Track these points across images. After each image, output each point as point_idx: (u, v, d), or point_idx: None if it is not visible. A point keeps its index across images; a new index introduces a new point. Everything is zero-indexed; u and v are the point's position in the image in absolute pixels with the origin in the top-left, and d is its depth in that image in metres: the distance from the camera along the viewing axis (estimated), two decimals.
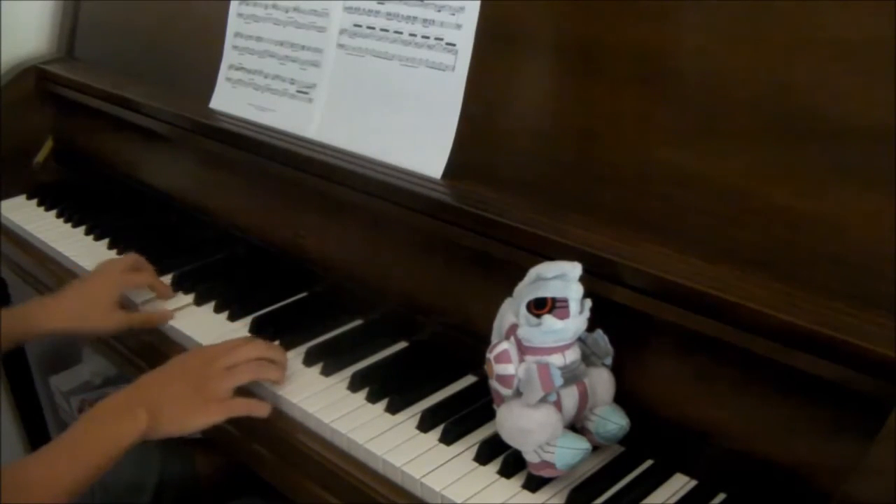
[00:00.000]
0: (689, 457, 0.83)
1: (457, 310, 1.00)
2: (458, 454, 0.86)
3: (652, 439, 0.85)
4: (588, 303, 0.81)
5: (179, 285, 1.20)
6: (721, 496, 0.81)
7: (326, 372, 1.00)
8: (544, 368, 0.78)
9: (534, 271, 0.81)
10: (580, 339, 0.83)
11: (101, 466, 0.84)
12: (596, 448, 0.83)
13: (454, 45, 1.02)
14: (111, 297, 1.11)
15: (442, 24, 1.03)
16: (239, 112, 1.28)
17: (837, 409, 0.73)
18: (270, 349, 0.99)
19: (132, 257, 1.19)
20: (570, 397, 0.82)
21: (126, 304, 1.16)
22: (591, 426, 0.83)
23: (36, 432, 1.82)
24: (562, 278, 0.79)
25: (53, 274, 1.33)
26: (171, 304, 1.16)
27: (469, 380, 0.98)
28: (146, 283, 1.17)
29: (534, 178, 0.95)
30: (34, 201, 1.52)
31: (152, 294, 1.18)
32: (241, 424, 0.97)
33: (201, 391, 0.91)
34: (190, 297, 1.17)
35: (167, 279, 1.21)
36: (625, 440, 0.85)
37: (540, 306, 0.79)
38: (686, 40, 0.83)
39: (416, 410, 0.92)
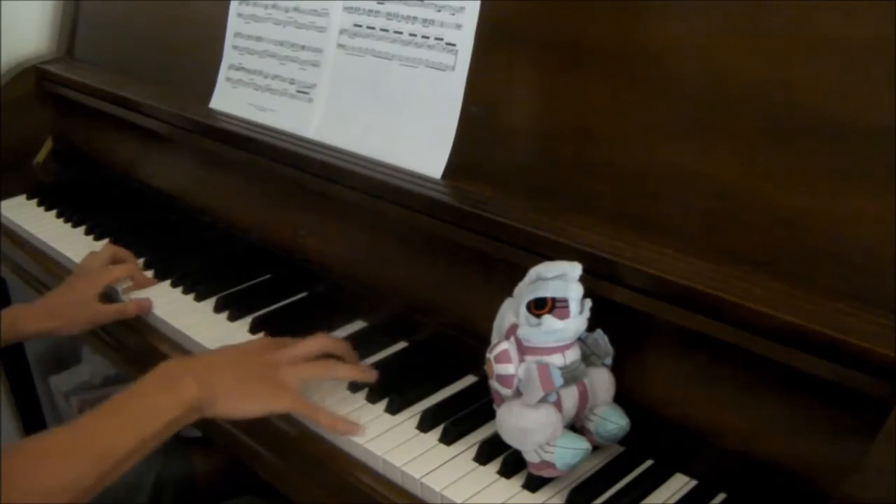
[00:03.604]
0: (689, 457, 0.83)
1: (457, 310, 1.00)
2: (458, 454, 0.86)
3: (652, 439, 0.85)
4: (588, 303, 0.81)
5: (179, 285, 1.20)
6: (721, 496, 0.81)
7: None
8: (544, 368, 0.78)
9: (534, 271, 0.81)
10: (580, 339, 0.83)
11: (141, 439, 0.80)
12: (596, 448, 0.83)
13: (454, 45, 1.02)
14: (91, 295, 1.13)
15: (442, 24, 1.03)
16: (239, 112, 1.28)
17: (837, 409, 0.73)
18: (336, 343, 0.96)
19: (110, 250, 1.21)
20: (570, 397, 0.81)
21: (109, 294, 1.18)
22: (591, 426, 0.83)
23: (36, 432, 1.82)
24: (562, 278, 0.79)
25: (53, 274, 1.32)
26: (171, 304, 1.16)
27: (469, 380, 0.98)
28: (125, 276, 1.18)
29: (534, 177, 0.95)
30: (34, 201, 1.52)
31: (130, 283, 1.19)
32: (238, 422, 0.97)
33: (267, 376, 0.87)
34: (190, 297, 1.17)
35: (167, 279, 1.21)
36: (625, 440, 0.85)
37: (540, 306, 0.79)
38: (686, 40, 0.83)
39: (416, 410, 0.92)
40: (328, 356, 0.94)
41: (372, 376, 0.94)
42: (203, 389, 0.83)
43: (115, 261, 1.20)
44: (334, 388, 0.96)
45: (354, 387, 0.96)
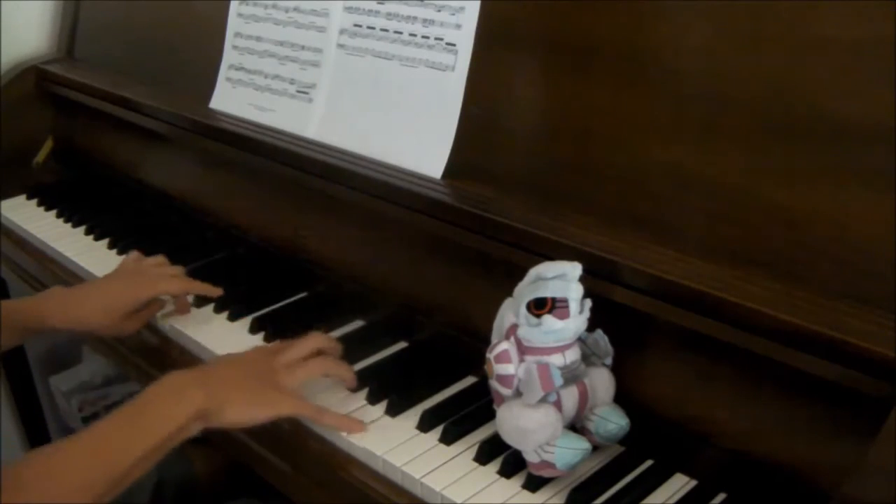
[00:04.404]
0: (689, 457, 0.83)
1: (457, 310, 1.00)
2: (458, 454, 0.86)
3: (652, 439, 0.85)
4: (588, 303, 0.81)
5: None
6: (721, 496, 0.81)
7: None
8: (544, 368, 0.78)
9: (534, 271, 0.81)
10: (580, 339, 0.83)
11: (149, 448, 0.80)
12: (596, 448, 0.83)
13: (454, 45, 1.02)
14: (135, 306, 1.06)
15: (442, 24, 1.03)
16: (239, 112, 1.28)
17: (838, 409, 0.73)
18: (329, 341, 0.96)
19: (161, 259, 1.13)
20: (570, 397, 0.82)
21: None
22: (591, 426, 0.83)
23: (36, 432, 1.82)
24: (562, 278, 0.79)
25: (53, 274, 1.32)
26: (171, 305, 1.16)
27: (469, 380, 0.98)
28: (174, 293, 1.11)
29: (534, 177, 0.95)
30: (34, 201, 1.52)
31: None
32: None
33: (269, 383, 0.88)
34: (190, 297, 1.17)
35: None
36: (625, 440, 0.85)
37: (540, 306, 0.79)
38: (686, 40, 0.83)
39: (416, 410, 0.92)
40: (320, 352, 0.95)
41: (353, 382, 0.95)
42: (210, 399, 0.84)
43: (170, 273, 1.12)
44: (335, 389, 0.96)
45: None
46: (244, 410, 0.86)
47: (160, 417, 0.82)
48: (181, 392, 0.83)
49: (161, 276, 1.10)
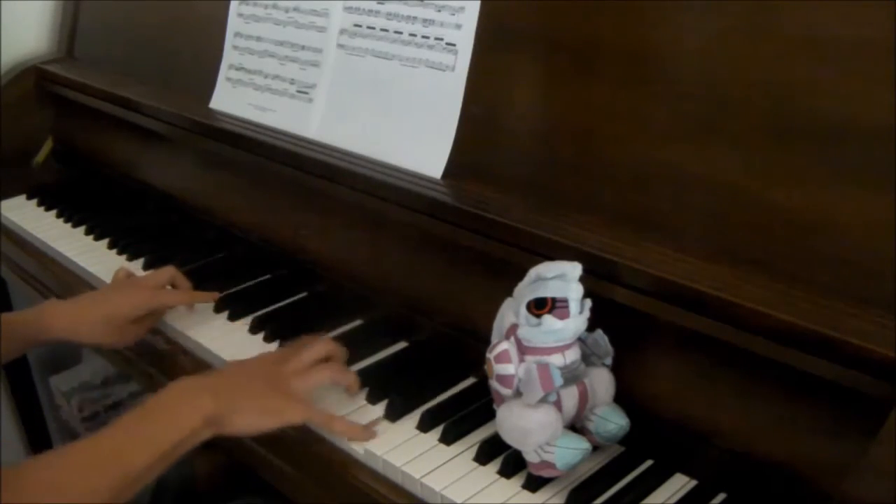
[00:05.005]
0: (689, 457, 0.83)
1: (457, 310, 1.00)
2: (458, 454, 0.86)
3: (652, 439, 0.85)
4: (588, 303, 0.81)
5: None
6: (721, 496, 0.81)
7: None
8: (544, 368, 0.78)
9: (534, 271, 0.81)
10: (580, 339, 0.83)
11: (158, 455, 0.79)
12: (596, 448, 0.83)
13: (454, 45, 1.02)
14: (133, 315, 1.06)
15: (442, 24, 1.03)
16: (239, 112, 1.28)
17: (837, 409, 0.73)
18: (334, 347, 0.95)
19: (168, 273, 1.12)
20: (570, 397, 0.81)
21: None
22: (591, 426, 0.83)
23: (36, 432, 1.82)
24: (562, 278, 0.79)
25: (53, 274, 1.32)
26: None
27: (469, 380, 0.98)
28: (179, 303, 1.11)
29: (534, 177, 0.95)
30: (34, 201, 1.52)
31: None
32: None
33: (279, 390, 0.87)
34: None
35: None
36: (625, 440, 0.85)
37: (540, 306, 0.79)
38: (686, 40, 0.83)
39: (416, 411, 0.92)
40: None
41: (357, 388, 0.94)
42: (219, 406, 0.83)
43: (174, 285, 1.12)
44: (334, 389, 0.96)
45: None
46: (254, 418, 0.86)
47: (169, 425, 0.81)
48: (191, 399, 0.83)
49: (158, 287, 1.10)
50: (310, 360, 0.92)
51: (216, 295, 1.13)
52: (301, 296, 1.17)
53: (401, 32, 1.07)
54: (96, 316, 1.05)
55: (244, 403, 0.85)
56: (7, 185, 1.52)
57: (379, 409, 0.93)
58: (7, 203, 1.51)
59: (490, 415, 0.86)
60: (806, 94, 0.76)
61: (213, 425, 0.83)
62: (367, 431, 0.89)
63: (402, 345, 1.06)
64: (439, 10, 1.03)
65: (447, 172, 1.02)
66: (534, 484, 0.81)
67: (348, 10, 1.14)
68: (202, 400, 0.83)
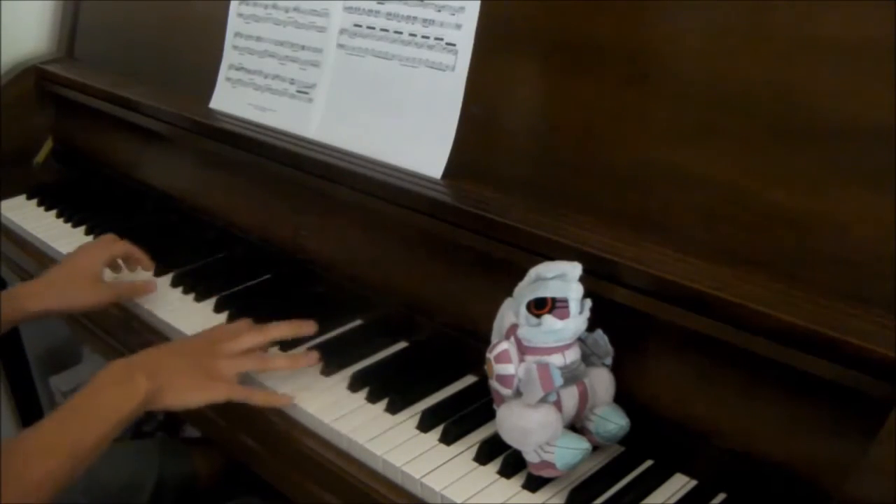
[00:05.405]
0: (689, 457, 0.83)
1: (457, 310, 1.00)
2: (458, 454, 0.86)
3: (652, 439, 0.85)
4: (588, 303, 0.81)
5: (179, 284, 1.20)
6: (721, 496, 0.81)
7: (326, 372, 1.00)
8: (544, 368, 0.78)
9: (534, 271, 0.81)
10: (580, 339, 0.83)
11: (103, 434, 0.85)
12: (596, 448, 0.83)
13: (454, 45, 1.02)
14: (94, 271, 1.12)
15: (442, 24, 1.03)
16: (239, 112, 1.28)
17: (837, 409, 0.73)
18: (262, 339, 0.98)
19: (109, 236, 1.20)
20: (570, 397, 0.81)
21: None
22: (591, 426, 0.83)
23: None
24: (562, 278, 0.79)
25: None
26: (171, 304, 1.16)
27: (469, 380, 0.98)
28: (126, 253, 1.18)
29: (534, 177, 0.95)
30: (34, 201, 1.52)
31: (132, 272, 1.21)
32: (239, 421, 0.97)
33: (206, 369, 0.92)
34: (190, 297, 1.17)
35: (167, 278, 1.21)
36: (625, 440, 0.85)
37: (540, 306, 0.79)
38: (686, 40, 0.83)
39: (416, 410, 0.92)
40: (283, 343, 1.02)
41: (313, 359, 0.98)
42: (153, 384, 0.88)
43: (126, 258, 1.20)
44: (334, 388, 0.96)
45: (354, 386, 0.96)
46: (180, 394, 0.91)
47: (110, 405, 0.86)
48: (128, 380, 0.88)
49: (105, 241, 1.18)
50: (246, 346, 0.96)
51: (151, 264, 1.20)
52: (301, 296, 1.17)
53: (401, 32, 1.07)
54: (66, 282, 1.11)
55: (174, 381, 0.90)
56: (7, 185, 1.52)
57: (379, 408, 0.93)
58: (7, 203, 1.51)
59: (490, 415, 0.86)
60: (806, 94, 0.76)
61: (149, 402, 0.88)
62: (284, 397, 0.94)
63: (402, 345, 1.06)
64: (439, 10, 1.03)
65: (447, 172, 1.02)
66: (534, 484, 0.81)
67: (348, 10, 1.14)
68: (139, 381, 0.88)
